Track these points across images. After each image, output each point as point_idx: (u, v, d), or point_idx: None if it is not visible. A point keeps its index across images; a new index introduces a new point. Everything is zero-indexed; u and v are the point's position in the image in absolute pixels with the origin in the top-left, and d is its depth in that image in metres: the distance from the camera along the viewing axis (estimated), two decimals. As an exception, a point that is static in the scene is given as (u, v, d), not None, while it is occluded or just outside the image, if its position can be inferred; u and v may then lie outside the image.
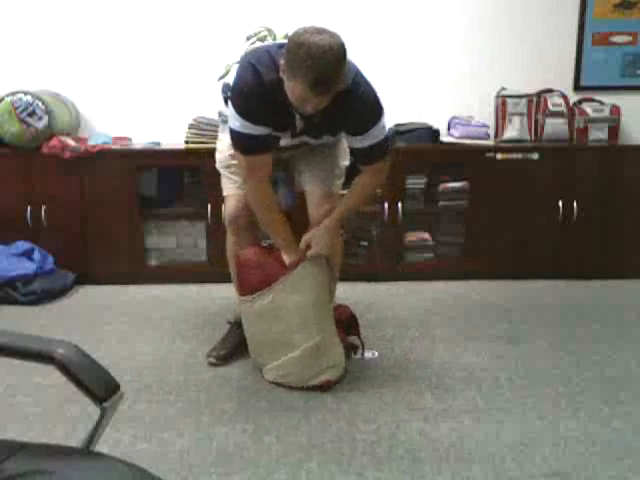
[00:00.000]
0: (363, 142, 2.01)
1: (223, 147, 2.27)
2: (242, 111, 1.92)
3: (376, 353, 2.39)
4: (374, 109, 1.98)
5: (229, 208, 2.27)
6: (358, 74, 1.95)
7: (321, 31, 1.74)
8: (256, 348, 2.25)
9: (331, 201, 2.24)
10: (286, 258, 2.16)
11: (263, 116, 1.94)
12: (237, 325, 2.43)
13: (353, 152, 2.13)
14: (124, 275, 3.27)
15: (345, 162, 2.29)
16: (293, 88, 1.77)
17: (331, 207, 2.22)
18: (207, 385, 2.16)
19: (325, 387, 2.11)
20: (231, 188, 2.28)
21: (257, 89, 1.89)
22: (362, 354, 2.37)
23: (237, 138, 1.99)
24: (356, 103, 1.93)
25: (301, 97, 1.78)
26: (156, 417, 1.95)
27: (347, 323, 2.35)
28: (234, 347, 2.37)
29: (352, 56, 1.97)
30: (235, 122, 1.94)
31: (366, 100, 1.95)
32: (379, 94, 1.99)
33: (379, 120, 1.99)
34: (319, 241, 2.12)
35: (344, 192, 2.27)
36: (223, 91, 2.36)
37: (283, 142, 2.13)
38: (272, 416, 1.95)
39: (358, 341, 2.38)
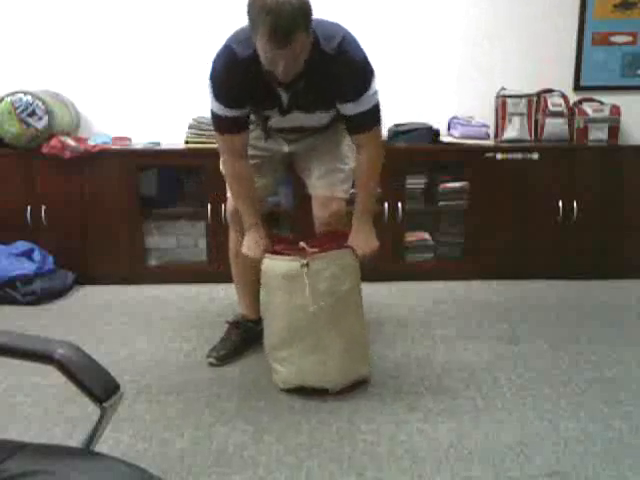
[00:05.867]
0: (354, 109, 1.96)
1: None
2: (216, 94, 1.96)
3: None
4: (363, 75, 1.92)
5: (229, 205, 2.29)
6: (346, 39, 1.87)
7: None
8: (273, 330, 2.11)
9: (337, 202, 2.23)
10: (246, 240, 2.13)
11: (237, 98, 1.94)
12: (236, 325, 2.44)
13: (345, 120, 2.05)
14: (124, 275, 3.27)
15: (351, 164, 2.24)
16: (259, 48, 1.74)
17: (337, 208, 2.22)
18: (207, 385, 2.16)
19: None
20: None
21: (231, 71, 1.88)
22: None
23: (213, 118, 2.05)
24: (343, 69, 1.87)
25: (267, 56, 1.74)
26: (156, 417, 1.95)
27: None
28: (234, 347, 2.37)
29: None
30: (212, 103, 2.00)
31: (354, 66, 1.89)
32: (381, 95, 1.98)
33: (369, 86, 1.93)
34: (359, 243, 2.10)
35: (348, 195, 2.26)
36: None
37: (275, 122, 2.11)
38: (272, 416, 1.96)
39: None
